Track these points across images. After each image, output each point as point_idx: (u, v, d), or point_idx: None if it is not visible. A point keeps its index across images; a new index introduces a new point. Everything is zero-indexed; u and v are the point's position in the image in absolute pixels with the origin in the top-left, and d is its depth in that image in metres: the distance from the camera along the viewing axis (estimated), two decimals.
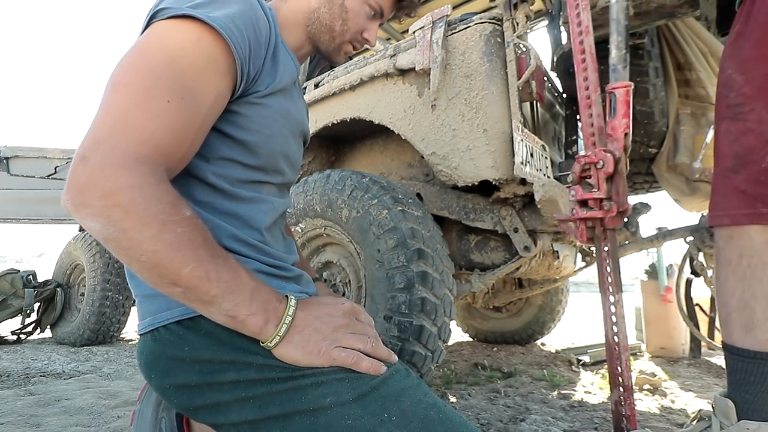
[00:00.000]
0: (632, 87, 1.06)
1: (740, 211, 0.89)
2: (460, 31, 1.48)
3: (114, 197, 0.46)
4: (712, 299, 2.27)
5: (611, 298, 1.08)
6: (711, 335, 2.30)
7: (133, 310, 3.56)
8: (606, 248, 1.10)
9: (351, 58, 2.95)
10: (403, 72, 1.61)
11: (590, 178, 1.09)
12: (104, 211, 0.46)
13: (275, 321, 0.54)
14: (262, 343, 0.55)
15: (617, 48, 1.09)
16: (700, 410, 1.00)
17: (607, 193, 1.07)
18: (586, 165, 1.09)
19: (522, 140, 1.37)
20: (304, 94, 2.01)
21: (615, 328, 1.08)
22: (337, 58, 0.82)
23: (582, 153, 1.11)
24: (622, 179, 1.07)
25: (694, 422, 1.00)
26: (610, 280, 1.09)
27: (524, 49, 1.42)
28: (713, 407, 0.94)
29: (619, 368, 1.07)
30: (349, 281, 1.60)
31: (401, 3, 0.83)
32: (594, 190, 1.08)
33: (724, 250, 0.93)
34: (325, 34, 0.77)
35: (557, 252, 1.91)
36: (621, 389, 1.06)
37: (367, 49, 3.11)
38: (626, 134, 1.07)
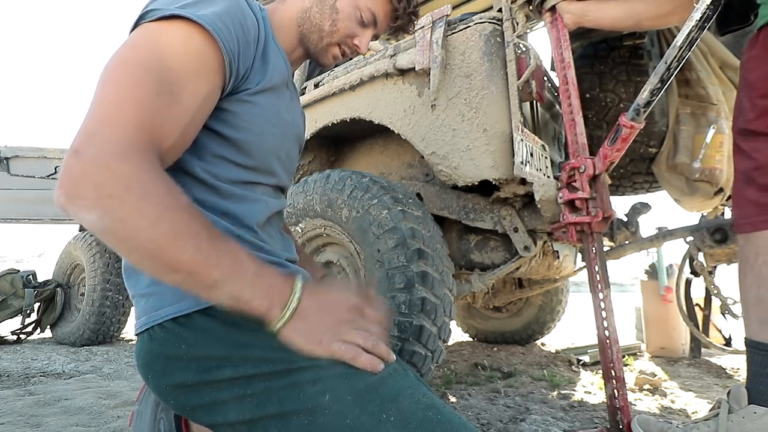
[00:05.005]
0: (637, 131, 1.16)
1: (755, 219, 0.98)
2: (460, 31, 1.48)
3: (108, 187, 0.46)
4: (707, 296, 2.27)
5: (600, 295, 1.19)
6: (705, 331, 2.30)
7: (133, 310, 3.56)
8: (594, 249, 1.21)
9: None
10: (403, 72, 1.61)
11: (575, 182, 1.23)
12: (99, 202, 0.46)
13: (279, 305, 0.54)
14: (267, 325, 0.54)
15: (650, 92, 1.12)
16: (718, 399, 1.03)
17: (591, 193, 1.20)
18: (571, 171, 1.24)
19: (522, 140, 1.36)
20: (303, 94, 2.00)
21: (605, 323, 1.18)
22: (324, 60, 0.81)
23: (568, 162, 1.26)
24: (605, 188, 1.21)
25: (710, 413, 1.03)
26: (598, 278, 1.19)
27: (524, 49, 1.41)
28: (728, 394, 0.98)
29: (611, 361, 1.15)
30: (349, 281, 1.60)
31: (396, 15, 0.82)
32: (579, 191, 1.21)
33: (743, 250, 1.01)
34: (314, 34, 0.77)
35: (557, 252, 1.91)
36: (614, 381, 1.13)
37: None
38: (612, 162, 1.20)
